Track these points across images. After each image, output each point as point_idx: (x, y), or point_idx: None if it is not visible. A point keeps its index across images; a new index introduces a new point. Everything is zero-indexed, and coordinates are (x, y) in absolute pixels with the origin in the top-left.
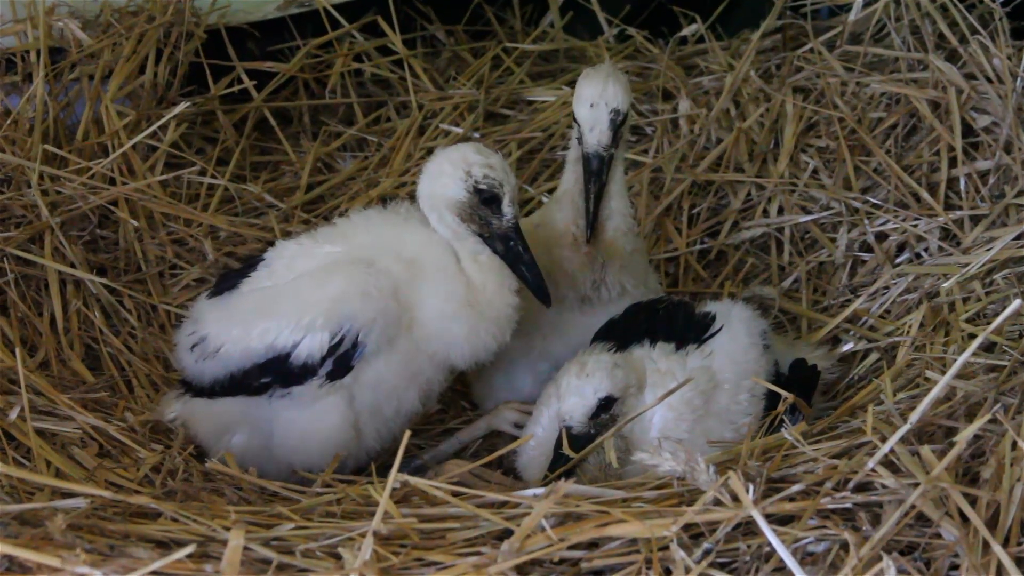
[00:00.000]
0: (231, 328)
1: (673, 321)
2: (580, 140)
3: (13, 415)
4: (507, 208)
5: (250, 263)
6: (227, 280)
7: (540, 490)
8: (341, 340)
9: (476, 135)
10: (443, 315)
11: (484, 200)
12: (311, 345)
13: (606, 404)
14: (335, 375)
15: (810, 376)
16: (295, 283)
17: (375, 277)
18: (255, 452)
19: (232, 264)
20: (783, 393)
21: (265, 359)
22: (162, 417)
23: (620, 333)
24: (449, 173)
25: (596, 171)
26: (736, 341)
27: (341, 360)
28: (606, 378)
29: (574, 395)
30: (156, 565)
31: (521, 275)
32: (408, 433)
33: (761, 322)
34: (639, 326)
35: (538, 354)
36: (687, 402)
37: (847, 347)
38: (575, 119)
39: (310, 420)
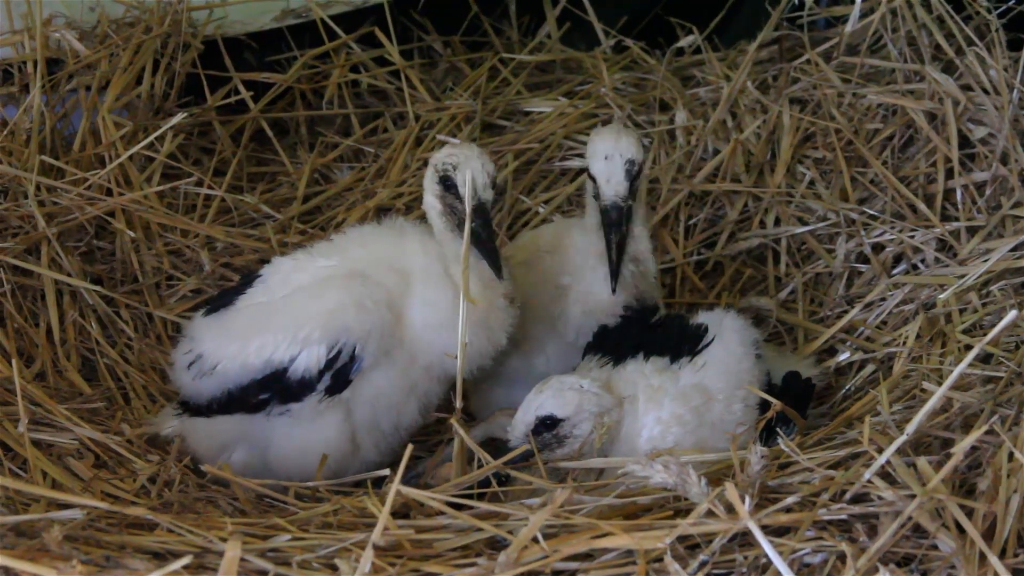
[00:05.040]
0: (228, 344)
1: (667, 333)
2: (597, 196)
3: (21, 427)
4: (463, 188)
5: (246, 280)
6: (223, 297)
7: (535, 500)
8: (338, 353)
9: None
10: (430, 324)
11: (446, 186)
12: (308, 359)
13: (548, 423)
14: (334, 390)
15: (804, 389)
16: (290, 297)
17: (370, 289)
18: (254, 469)
19: (228, 275)
20: (772, 401)
21: (263, 374)
22: (159, 432)
23: (614, 346)
24: (427, 175)
25: (615, 222)
26: (729, 352)
27: (339, 374)
28: (551, 398)
29: (521, 410)
30: None
31: (481, 253)
32: (410, 447)
33: (753, 332)
34: (633, 339)
35: (540, 373)
36: (677, 418)
37: (843, 356)
38: (591, 176)
39: (307, 434)
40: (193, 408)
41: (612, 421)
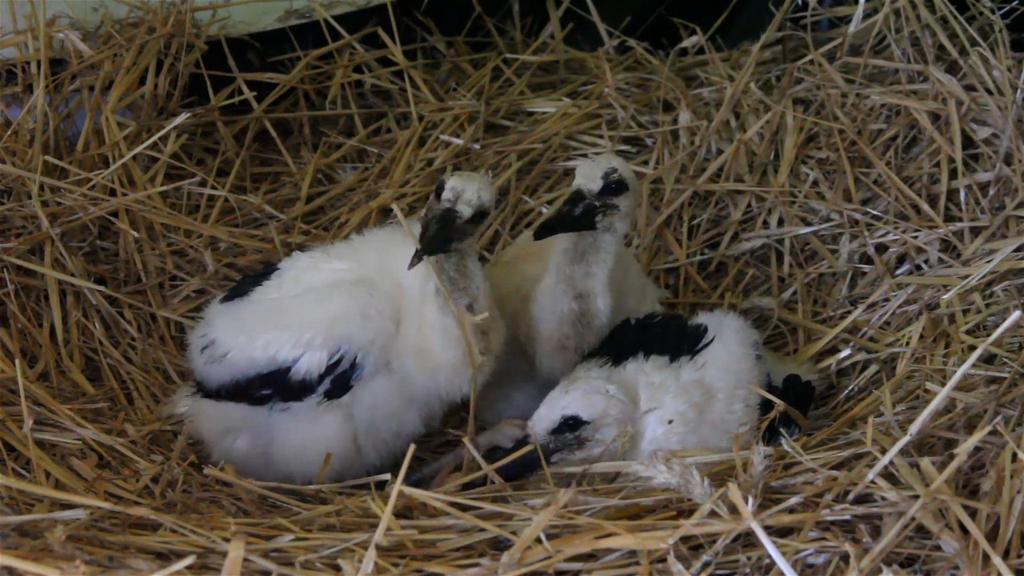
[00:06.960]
0: (238, 335)
1: (666, 334)
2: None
3: (26, 428)
4: (446, 192)
5: (265, 271)
6: (242, 286)
7: (538, 501)
8: (339, 360)
9: (476, 146)
10: (407, 344)
11: (438, 195)
12: (310, 362)
13: (571, 424)
14: (333, 394)
15: (804, 392)
16: (300, 298)
17: (376, 299)
18: (256, 458)
19: (232, 275)
20: (776, 401)
21: (267, 371)
22: (173, 410)
23: (614, 348)
24: None
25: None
26: (729, 351)
27: (339, 380)
28: (579, 399)
29: (546, 406)
30: None
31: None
32: (412, 447)
33: (753, 332)
34: (632, 340)
35: (543, 380)
36: (680, 415)
37: (843, 354)
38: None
39: (308, 432)
40: (205, 390)
41: (634, 431)
